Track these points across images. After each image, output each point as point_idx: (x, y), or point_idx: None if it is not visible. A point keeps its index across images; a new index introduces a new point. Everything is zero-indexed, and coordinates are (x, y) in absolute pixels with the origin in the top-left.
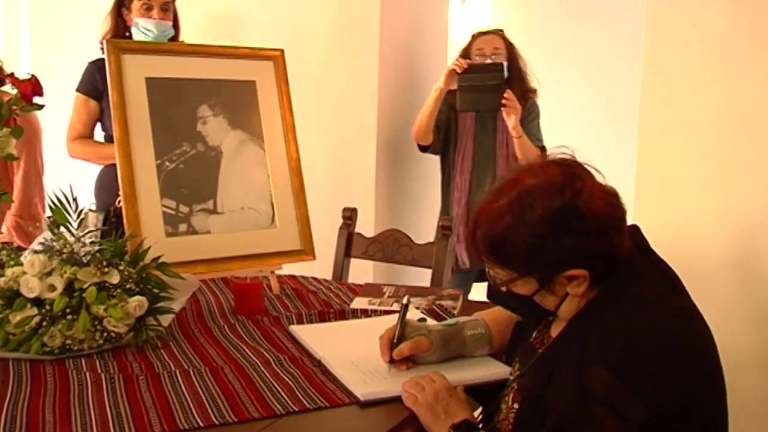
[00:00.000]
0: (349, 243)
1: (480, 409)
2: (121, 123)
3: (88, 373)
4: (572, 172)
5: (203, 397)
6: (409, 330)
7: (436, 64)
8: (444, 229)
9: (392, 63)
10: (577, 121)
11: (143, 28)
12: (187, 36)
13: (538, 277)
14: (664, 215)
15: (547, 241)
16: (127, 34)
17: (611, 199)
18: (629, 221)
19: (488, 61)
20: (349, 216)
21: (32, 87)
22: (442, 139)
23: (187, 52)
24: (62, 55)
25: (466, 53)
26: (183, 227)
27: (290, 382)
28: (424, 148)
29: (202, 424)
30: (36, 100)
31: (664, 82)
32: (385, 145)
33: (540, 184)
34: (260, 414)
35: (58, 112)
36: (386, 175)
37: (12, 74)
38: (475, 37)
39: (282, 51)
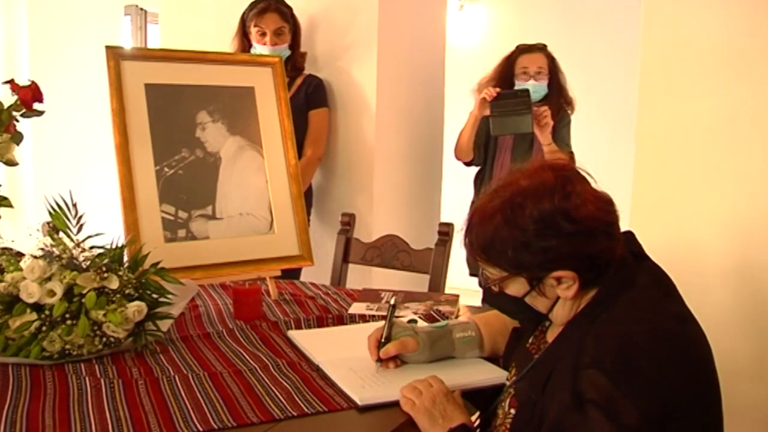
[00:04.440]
0: (347, 248)
1: (477, 414)
2: (120, 129)
3: (87, 378)
4: (565, 175)
5: (202, 402)
6: (397, 330)
7: (435, 69)
8: (441, 234)
9: (391, 68)
10: (573, 127)
11: (258, 53)
12: (191, 43)
13: (528, 277)
14: (660, 221)
15: (534, 240)
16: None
17: (603, 204)
18: (626, 228)
19: (530, 81)
20: (348, 222)
21: (32, 93)
22: (483, 152)
23: (186, 58)
24: (61, 59)
25: (509, 64)
26: (182, 233)
27: (289, 387)
28: (467, 163)
29: (201, 429)
30: (36, 106)
31: (660, 88)
32: (383, 151)
33: (532, 185)
34: (259, 419)
35: (57, 117)
36: (384, 180)
37: (12, 80)
38: (520, 51)
39: (280, 58)
